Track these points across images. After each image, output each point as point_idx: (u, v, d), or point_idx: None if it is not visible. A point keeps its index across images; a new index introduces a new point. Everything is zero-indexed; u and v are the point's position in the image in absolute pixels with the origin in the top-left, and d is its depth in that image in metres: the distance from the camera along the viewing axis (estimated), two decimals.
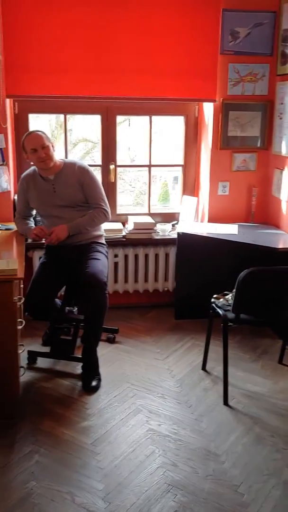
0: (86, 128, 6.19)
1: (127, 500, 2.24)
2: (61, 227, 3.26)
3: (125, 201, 5.40)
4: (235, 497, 2.27)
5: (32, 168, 3.43)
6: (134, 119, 5.11)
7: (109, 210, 3.40)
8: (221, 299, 3.11)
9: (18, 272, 2.66)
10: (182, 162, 4.36)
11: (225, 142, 4.08)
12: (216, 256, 3.86)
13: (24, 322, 2.97)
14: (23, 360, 3.24)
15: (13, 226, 3.62)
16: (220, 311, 3.01)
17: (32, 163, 3.33)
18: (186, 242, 3.91)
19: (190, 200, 4.28)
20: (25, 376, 3.18)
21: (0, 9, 3.53)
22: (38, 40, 3.68)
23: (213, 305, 3.10)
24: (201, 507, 2.20)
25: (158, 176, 5.46)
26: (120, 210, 4.39)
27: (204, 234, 3.85)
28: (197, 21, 3.87)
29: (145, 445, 2.60)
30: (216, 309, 3.05)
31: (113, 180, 4.21)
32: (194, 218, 4.25)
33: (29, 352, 3.40)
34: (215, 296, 3.15)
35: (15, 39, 3.63)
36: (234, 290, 2.90)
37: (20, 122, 3.97)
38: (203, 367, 3.36)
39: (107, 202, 3.40)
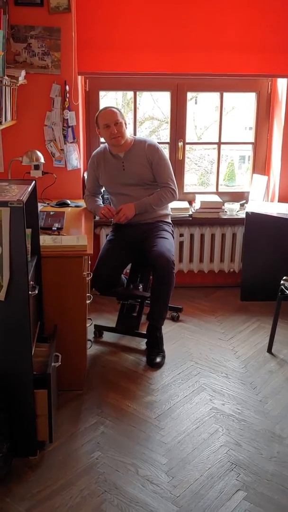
0: (152, 106, 6.17)
1: (190, 476, 2.26)
2: (128, 206, 3.28)
3: (190, 180, 5.35)
4: None
5: (103, 146, 3.46)
6: (201, 97, 5.02)
7: (176, 189, 3.38)
8: None
9: (87, 248, 2.71)
10: (252, 140, 4.25)
11: None
12: (286, 237, 3.76)
13: (92, 297, 3.03)
14: (90, 333, 3.32)
15: (82, 203, 3.68)
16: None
17: (103, 139, 3.36)
18: (255, 222, 3.82)
19: (260, 179, 4.17)
20: (91, 349, 3.26)
21: None
22: (109, 18, 3.66)
23: (283, 287, 3.03)
24: (264, 488, 2.19)
25: (224, 155, 5.36)
26: (186, 189, 4.35)
27: (274, 214, 3.76)
28: None
29: (208, 423, 2.61)
30: (285, 291, 2.98)
31: (181, 158, 4.18)
32: (264, 198, 4.15)
33: (96, 326, 3.47)
34: (284, 278, 3.08)
35: (87, 17, 3.63)
36: None
37: (91, 100, 4.00)
38: (269, 349, 3.30)
39: (175, 181, 3.38)
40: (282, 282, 3.06)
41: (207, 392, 2.87)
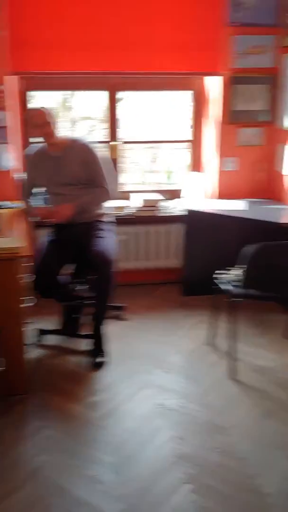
0: (88, 106, 6.13)
1: (136, 472, 2.27)
2: (66, 206, 3.25)
3: (129, 179, 5.37)
4: (242, 469, 2.29)
5: (40, 145, 3.41)
6: (138, 96, 5.04)
7: (114, 188, 3.38)
8: (224, 275, 3.11)
9: (23, 250, 2.66)
10: (188, 138, 4.31)
11: (232, 117, 4.03)
12: (224, 232, 3.84)
13: (35, 299, 2.98)
14: (32, 337, 3.27)
15: (17, 204, 3.60)
16: (223, 287, 3.01)
17: (33, 138, 3.31)
18: (195, 219, 3.89)
19: (197, 176, 4.25)
20: (34, 353, 3.22)
21: None
22: (42, 16, 3.62)
23: (216, 281, 3.11)
24: (209, 479, 2.23)
25: (161, 154, 5.42)
26: (124, 187, 4.37)
27: (212, 211, 3.83)
28: None
29: (152, 419, 2.63)
30: (218, 285, 3.06)
31: (117, 157, 4.18)
32: (202, 195, 4.22)
33: (37, 330, 3.42)
34: (216, 272, 3.15)
35: (19, 15, 3.57)
36: (239, 266, 2.90)
37: (27, 100, 3.93)
38: (210, 343, 3.37)
39: (111, 181, 3.38)
40: (215, 275, 3.14)
41: (150, 389, 2.90)
